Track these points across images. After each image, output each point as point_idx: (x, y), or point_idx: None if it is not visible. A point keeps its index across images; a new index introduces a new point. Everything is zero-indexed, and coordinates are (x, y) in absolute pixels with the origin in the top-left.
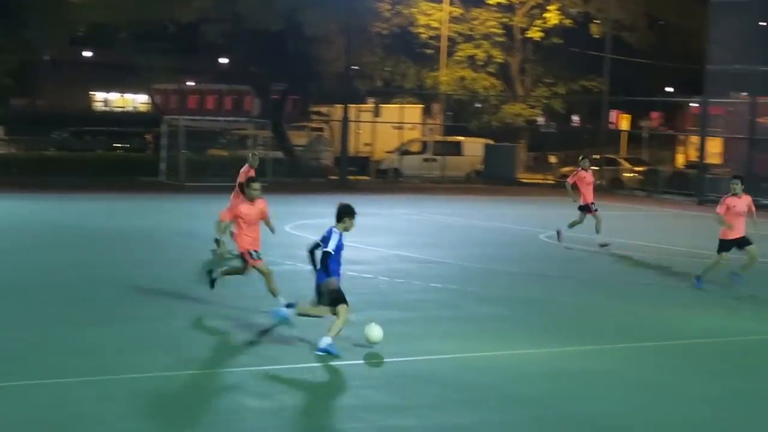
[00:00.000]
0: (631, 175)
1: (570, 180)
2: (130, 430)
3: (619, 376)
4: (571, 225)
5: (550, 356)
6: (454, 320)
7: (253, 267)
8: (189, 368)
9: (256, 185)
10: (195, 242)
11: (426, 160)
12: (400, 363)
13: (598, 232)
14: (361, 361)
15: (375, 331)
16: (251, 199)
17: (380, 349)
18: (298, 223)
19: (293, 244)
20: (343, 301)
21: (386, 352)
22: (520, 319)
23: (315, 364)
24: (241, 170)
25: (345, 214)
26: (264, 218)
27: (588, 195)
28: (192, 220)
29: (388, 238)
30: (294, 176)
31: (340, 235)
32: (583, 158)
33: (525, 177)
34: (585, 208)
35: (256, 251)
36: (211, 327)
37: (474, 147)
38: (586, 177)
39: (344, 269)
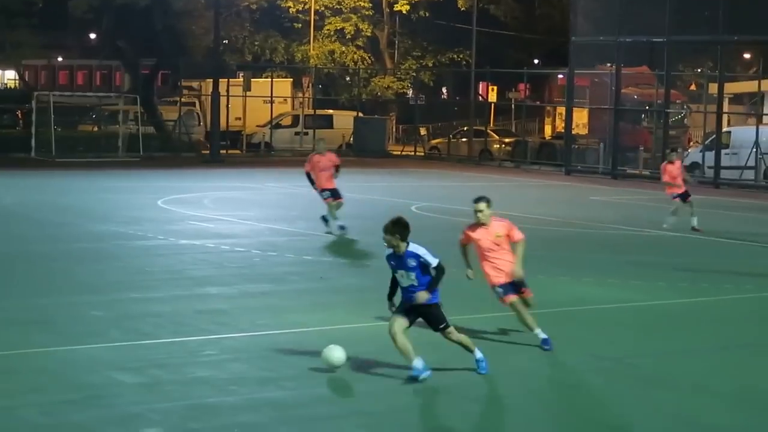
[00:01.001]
0: (500, 146)
1: (664, 178)
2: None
3: (485, 345)
4: (673, 213)
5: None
6: (323, 292)
7: (505, 304)
8: (64, 344)
9: (482, 205)
10: (69, 218)
11: (297, 133)
12: (270, 335)
13: (692, 215)
14: (233, 335)
15: (336, 353)
16: (482, 224)
17: (251, 322)
18: (171, 197)
19: (165, 219)
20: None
21: (257, 325)
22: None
23: (188, 338)
24: (308, 158)
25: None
26: (512, 241)
27: (675, 186)
28: (65, 195)
29: (260, 211)
30: (165, 151)
31: (390, 253)
32: (670, 152)
33: (395, 149)
34: (681, 197)
35: (501, 286)
36: (87, 302)
37: (344, 120)
38: (672, 170)
39: (217, 243)
